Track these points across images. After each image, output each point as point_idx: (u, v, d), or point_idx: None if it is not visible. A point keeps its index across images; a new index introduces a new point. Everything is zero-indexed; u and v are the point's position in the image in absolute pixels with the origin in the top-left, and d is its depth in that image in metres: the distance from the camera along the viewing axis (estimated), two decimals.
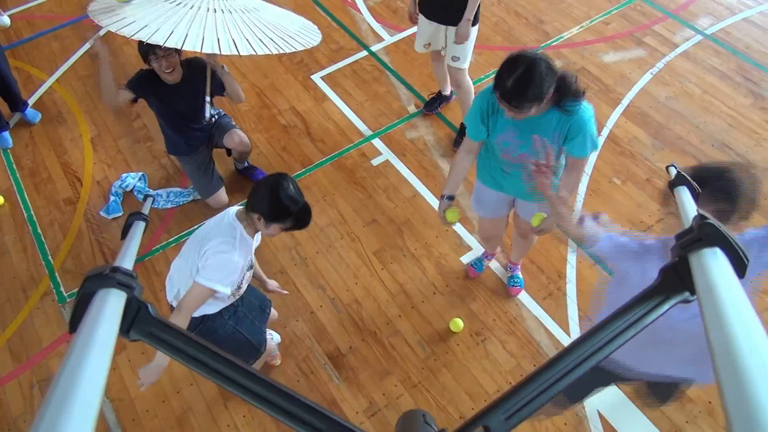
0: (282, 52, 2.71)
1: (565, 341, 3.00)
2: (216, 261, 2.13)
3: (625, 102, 4.07)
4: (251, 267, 2.39)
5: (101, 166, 4.00)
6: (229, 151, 3.68)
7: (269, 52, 2.64)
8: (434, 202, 3.59)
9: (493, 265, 3.29)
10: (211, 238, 2.17)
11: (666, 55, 4.37)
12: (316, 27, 3.15)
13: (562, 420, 2.76)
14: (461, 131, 3.95)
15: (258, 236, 2.34)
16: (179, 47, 2.51)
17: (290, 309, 3.20)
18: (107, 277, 0.76)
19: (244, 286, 2.42)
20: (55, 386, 0.56)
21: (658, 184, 3.59)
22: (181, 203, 3.74)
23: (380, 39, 4.72)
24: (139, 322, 0.77)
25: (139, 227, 1.22)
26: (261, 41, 2.67)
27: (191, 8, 2.69)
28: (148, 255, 3.51)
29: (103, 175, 3.93)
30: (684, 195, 1.28)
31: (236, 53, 2.56)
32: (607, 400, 2.79)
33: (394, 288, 3.26)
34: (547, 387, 0.75)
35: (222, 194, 3.66)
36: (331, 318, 3.17)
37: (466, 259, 3.33)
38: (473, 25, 3.30)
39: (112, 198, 3.75)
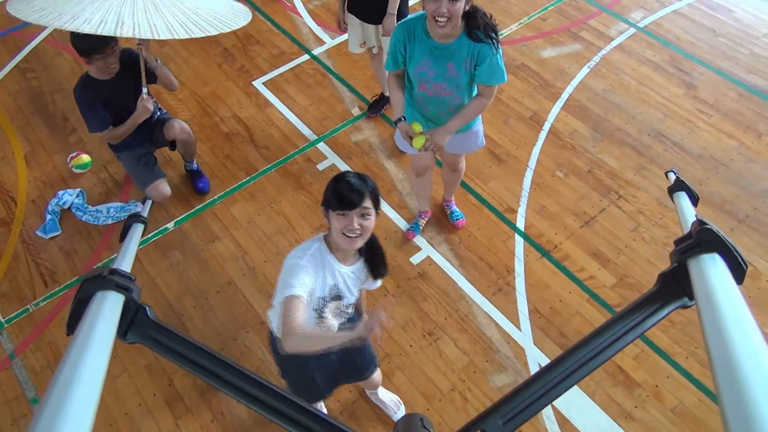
0: (207, 34, 2.62)
1: (516, 335, 3.03)
2: (284, 270, 1.89)
3: (564, 96, 4.15)
4: (339, 297, 1.99)
5: (36, 184, 3.85)
6: (173, 146, 3.57)
7: (192, 35, 2.55)
8: (383, 205, 3.58)
9: (441, 262, 3.30)
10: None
11: (602, 48, 4.47)
12: (246, 8, 3.03)
13: None
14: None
15: (354, 268, 1.98)
16: (96, 32, 2.38)
17: (240, 321, 3.15)
18: (105, 279, 0.77)
19: (330, 320, 2.03)
20: (53, 387, 0.56)
21: (600, 175, 3.67)
22: (122, 218, 3.62)
23: (322, 42, 4.69)
24: (137, 324, 0.78)
25: (137, 229, 1.22)
26: (184, 25, 2.57)
27: None
28: (80, 278, 3.38)
29: (39, 193, 3.79)
30: (683, 200, 1.30)
31: (156, 37, 2.47)
32: None
33: None
34: (545, 392, 0.74)
35: (163, 185, 3.44)
36: None
37: (415, 259, 3.34)
38: (399, 19, 3.34)
39: (48, 217, 3.61)
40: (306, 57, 4.57)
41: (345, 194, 1.75)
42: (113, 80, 3.13)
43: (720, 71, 4.27)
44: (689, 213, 1.18)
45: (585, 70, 4.31)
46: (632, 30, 4.61)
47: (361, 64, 4.43)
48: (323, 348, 1.71)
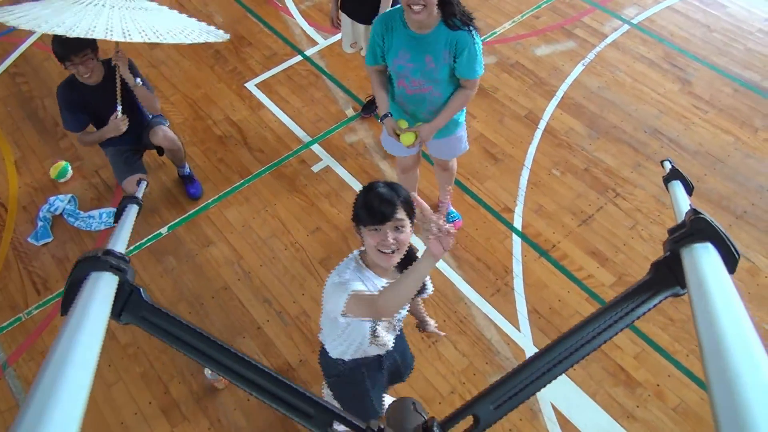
0: (180, 42, 2.67)
1: (515, 336, 3.01)
2: (328, 289, 1.81)
3: (559, 94, 4.13)
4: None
5: (27, 190, 3.79)
6: (160, 151, 3.54)
7: (164, 41, 2.57)
8: None
9: (438, 263, 3.26)
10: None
11: (596, 45, 4.45)
12: (221, 32, 3.09)
13: (518, 415, 2.76)
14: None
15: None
16: (69, 35, 2.38)
17: (236, 326, 3.11)
18: (99, 260, 0.77)
19: (383, 336, 1.97)
20: (46, 367, 0.56)
21: (596, 173, 3.65)
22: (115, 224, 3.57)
23: (314, 43, 4.65)
24: (131, 305, 0.78)
25: (132, 210, 1.21)
26: (158, 32, 2.58)
27: (89, 5, 2.59)
28: None
29: (30, 200, 3.73)
30: (677, 189, 1.30)
31: (128, 40, 2.47)
32: (559, 392, 2.80)
33: None
34: (536, 378, 0.75)
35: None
36: (278, 332, 3.09)
37: None
38: None
39: (40, 223, 3.56)
40: (299, 58, 4.53)
41: (376, 207, 1.62)
42: (98, 87, 3.11)
43: (715, 67, 4.25)
44: (683, 202, 1.18)
45: (579, 68, 4.29)
46: (626, 26, 4.60)
47: (355, 65, 4.39)
48: (417, 287, 1.49)
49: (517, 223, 3.45)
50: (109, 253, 0.79)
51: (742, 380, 0.50)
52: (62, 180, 3.79)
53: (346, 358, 2.04)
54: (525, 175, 3.67)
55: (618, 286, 3.15)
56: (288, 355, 3.00)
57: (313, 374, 2.93)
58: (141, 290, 0.79)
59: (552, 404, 2.78)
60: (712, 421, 0.49)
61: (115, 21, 2.51)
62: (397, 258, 1.70)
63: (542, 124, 3.95)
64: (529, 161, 3.74)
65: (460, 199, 3.55)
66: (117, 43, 3.00)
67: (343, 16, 3.47)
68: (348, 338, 1.94)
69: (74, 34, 2.39)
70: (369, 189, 1.68)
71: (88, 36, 2.41)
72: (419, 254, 1.71)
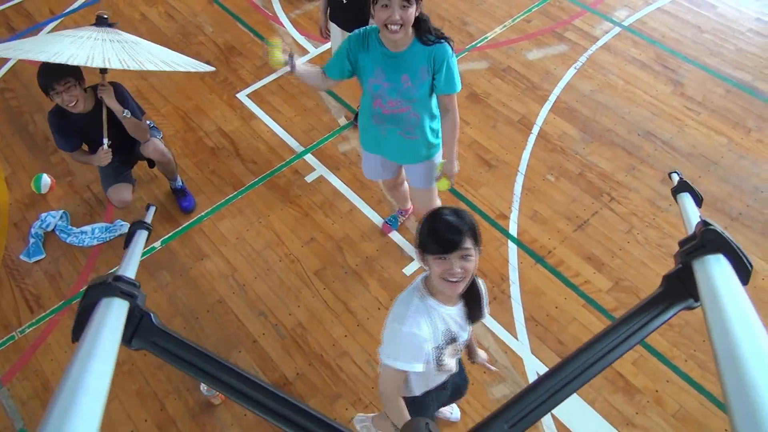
0: (161, 69, 2.71)
1: (513, 344, 2.99)
2: (386, 333, 1.77)
3: (552, 98, 4.12)
4: (454, 339, 1.81)
5: (18, 207, 3.76)
6: (151, 163, 3.51)
7: (144, 68, 2.62)
8: (372, 215, 3.53)
9: None
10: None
11: (587, 48, 4.45)
12: (205, 65, 3.14)
13: None
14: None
15: (459, 308, 1.80)
16: (49, 60, 2.41)
17: (231, 340, 3.08)
18: (110, 285, 0.77)
19: (449, 362, 1.89)
20: (58, 395, 0.56)
21: (591, 178, 3.64)
22: (108, 239, 3.55)
23: (305, 51, 4.63)
24: (142, 331, 0.78)
25: (141, 236, 1.22)
26: (139, 62, 2.63)
27: (75, 37, 2.64)
28: (75, 297, 3.32)
29: (21, 216, 3.70)
30: (687, 201, 1.30)
31: (108, 66, 2.51)
32: None
33: (338, 307, 3.18)
34: (550, 395, 0.74)
35: (124, 189, 3.35)
36: (275, 345, 3.06)
37: (408, 270, 3.29)
38: None
39: (32, 240, 3.53)
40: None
41: (443, 235, 1.56)
42: (88, 114, 3.08)
43: (706, 68, 4.25)
44: (693, 214, 1.17)
45: (572, 71, 4.28)
46: (617, 29, 4.59)
47: None
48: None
49: (513, 230, 3.43)
50: (119, 278, 0.79)
51: (759, 392, 0.50)
52: (44, 191, 3.76)
53: (417, 393, 1.99)
54: (519, 180, 3.66)
55: (615, 292, 3.14)
56: (285, 368, 2.98)
57: (310, 388, 2.90)
58: (152, 315, 0.79)
59: (551, 413, 2.76)
60: None
61: (97, 50, 2.55)
62: (461, 287, 1.65)
63: (536, 129, 3.94)
64: (523, 167, 3.73)
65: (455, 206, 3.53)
66: (103, 76, 3.00)
67: (333, 26, 3.45)
68: (416, 378, 1.91)
69: (57, 60, 2.40)
70: (435, 216, 1.62)
71: (69, 62, 2.42)
72: (480, 282, 1.82)
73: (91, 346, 0.66)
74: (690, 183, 1.39)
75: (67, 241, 3.54)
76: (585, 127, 3.93)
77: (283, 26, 4.86)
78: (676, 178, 1.53)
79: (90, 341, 0.67)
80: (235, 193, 3.73)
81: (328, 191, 3.69)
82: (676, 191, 1.41)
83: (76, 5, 5.28)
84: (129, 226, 1.28)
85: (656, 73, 4.24)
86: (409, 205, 3.44)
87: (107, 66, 2.48)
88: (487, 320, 3.08)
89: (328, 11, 3.44)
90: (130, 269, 0.96)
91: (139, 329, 0.78)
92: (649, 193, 3.54)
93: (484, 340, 3.01)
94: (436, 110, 2.51)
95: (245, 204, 3.67)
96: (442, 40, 2.26)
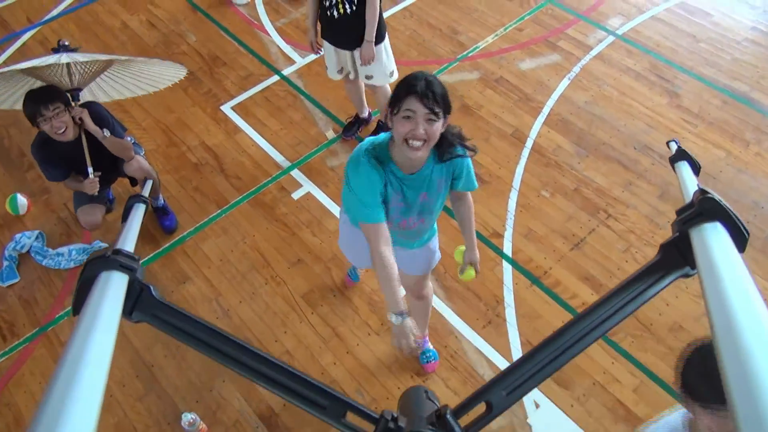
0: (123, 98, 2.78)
1: None
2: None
3: (545, 110, 4.01)
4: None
5: None
6: (134, 181, 3.35)
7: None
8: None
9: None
10: None
11: (581, 58, 4.34)
12: (178, 64, 3.18)
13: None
14: (379, 127, 3.87)
15: None
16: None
17: (215, 369, 2.94)
18: (109, 259, 0.78)
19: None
20: (61, 368, 0.57)
21: (587, 194, 3.53)
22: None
23: (292, 62, 4.49)
24: (142, 303, 0.80)
25: (139, 209, 1.22)
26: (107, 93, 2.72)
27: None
28: (50, 324, 3.16)
29: None
30: (684, 170, 1.30)
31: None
32: (558, 431, 2.67)
33: (326, 333, 3.04)
34: (547, 362, 0.75)
35: (93, 210, 3.16)
36: None
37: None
38: (378, 43, 3.16)
39: (5, 263, 3.37)
40: (276, 78, 4.37)
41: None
42: (75, 142, 2.93)
43: (702, 78, 4.16)
44: (690, 182, 1.16)
45: (565, 82, 4.18)
46: (611, 38, 4.49)
47: (334, 84, 4.23)
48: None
49: (507, 249, 3.31)
50: (118, 252, 0.80)
51: (754, 358, 0.50)
52: (22, 212, 3.60)
53: None
54: (513, 197, 3.55)
55: None
56: (270, 398, 2.84)
57: (296, 419, 2.77)
58: (151, 288, 0.80)
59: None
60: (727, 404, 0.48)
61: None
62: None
63: (529, 143, 3.83)
64: (517, 182, 3.62)
65: (447, 225, 3.41)
66: (75, 102, 2.91)
67: (326, 44, 3.31)
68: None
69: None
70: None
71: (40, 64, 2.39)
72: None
73: (92, 319, 0.66)
74: (688, 151, 1.38)
75: (43, 263, 3.38)
76: (580, 141, 3.82)
77: (268, 35, 4.72)
78: (674, 146, 1.52)
79: (91, 314, 0.67)
80: (219, 211, 3.58)
81: (315, 209, 3.55)
82: (674, 159, 1.40)
83: (54, 13, 5.11)
84: (128, 198, 1.27)
85: (651, 83, 4.15)
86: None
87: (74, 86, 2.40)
88: (482, 345, 2.96)
89: (319, 28, 3.30)
90: (128, 243, 0.95)
91: (139, 302, 0.79)
92: (646, 210, 3.44)
93: (478, 366, 2.89)
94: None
95: (229, 223, 3.52)
96: (460, 150, 1.92)
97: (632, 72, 4.23)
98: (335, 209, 3.53)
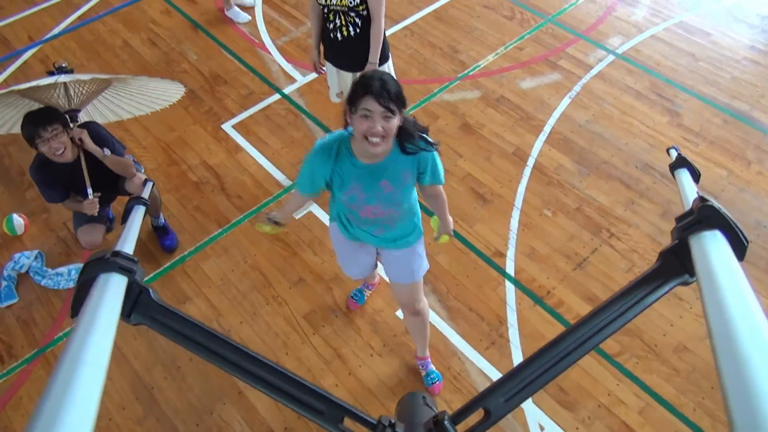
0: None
1: None
2: None
3: (547, 129, 4.01)
4: None
5: None
6: None
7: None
8: None
9: (431, 316, 3.09)
10: None
11: (582, 77, 4.35)
12: (177, 83, 3.24)
13: None
14: None
15: None
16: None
17: (215, 391, 2.90)
18: (108, 261, 0.77)
19: None
20: (58, 369, 0.57)
21: (589, 213, 3.52)
22: None
23: (292, 80, 4.50)
24: (141, 306, 0.79)
25: (139, 211, 1.22)
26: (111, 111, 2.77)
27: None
28: (49, 345, 3.13)
29: None
30: (684, 177, 1.30)
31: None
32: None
33: (328, 354, 3.01)
34: (546, 369, 0.75)
35: (95, 231, 3.16)
36: (261, 396, 2.89)
37: (401, 313, 3.13)
38: (382, 64, 3.16)
39: (4, 283, 3.34)
40: (277, 96, 4.38)
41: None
42: (74, 163, 2.93)
43: (703, 97, 4.17)
44: (690, 190, 1.16)
45: (566, 101, 4.19)
46: (611, 57, 4.51)
47: (335, 102, 4.25)
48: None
49: (510, 269, 3.30)
50: (117, 254, 0.79)
51: (753, 367, 0.50)
52: (20, 232, 3.58)
53: None
54: (516, 216, 3.53)
55: (617, 335, 3.00)
56: (272, 421, 2.81)
57: None
58: (150, 291, 0.79)
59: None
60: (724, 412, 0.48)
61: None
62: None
63: (531, 161, 3.82)
64: (519, 201, 3.61)
65: (450, 244, 3.40)
66: (73, 123, 2.90)
67: (328, 65, 3.31)
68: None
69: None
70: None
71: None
72: None
73: (90, 321, 0.66)
74: (688, 158, 1.38)
75: (42, 283, 3.36)
76: (581, 159, 3.82)
77: (269, 53, 4.74)
78: (674, 153, 1.52)
79: (89, 316, 0.67)
80: (220, 230, 3.57)
81: (317, 228, 3.54)
82: (674, 167, 1.40)
83: (56, 31, 5.12)
84: (128, 200, 1.26)
85: (652, 102, 4.16)
86: (377, 279, 3.21)
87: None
88: (485, 366, 2.93)
89: (322, 50, 3.29)
90: (128, 245, 0.95)
91: (137, 304, 0.79)
92: (649, 229, 3.43)
93: (482, 387, 2.84)
94: (416, 203, 2.26)
95: (230, 242, 3.50)
96: (428, 146, 1.98)
97: (633, 91, 4.24)
98: None
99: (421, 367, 2.91)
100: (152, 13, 5.24)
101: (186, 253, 3.46)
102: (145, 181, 1.63)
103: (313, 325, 3.12)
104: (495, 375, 2.91)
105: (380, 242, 2.31)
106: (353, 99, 1.80)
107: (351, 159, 1.97)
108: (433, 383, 2.86)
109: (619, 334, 3.00)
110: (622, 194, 3.61)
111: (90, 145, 2.85)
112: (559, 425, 2.73)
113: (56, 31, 5.13)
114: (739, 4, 4.94)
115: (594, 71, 4.40)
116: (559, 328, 3.04)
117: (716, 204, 0.76)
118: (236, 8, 5.06)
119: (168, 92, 3.30)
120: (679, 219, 0.80)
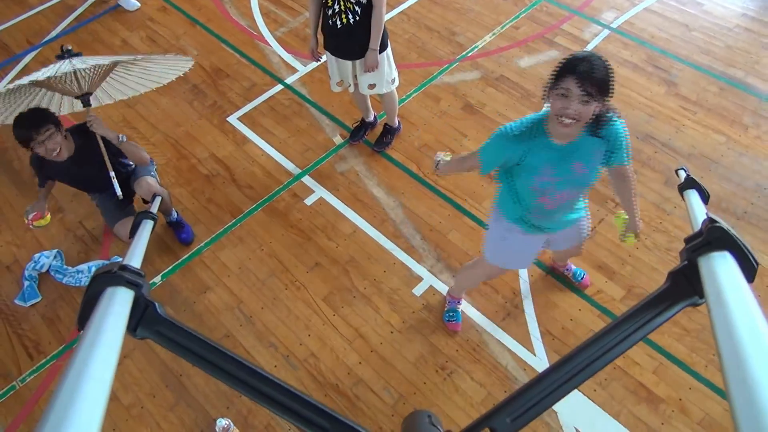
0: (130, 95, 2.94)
1: (531, 360, 2.94)
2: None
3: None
4: None
5: (9, 249, 3.63)
6: (146, 200, 3.41)
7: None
8: (375, 235, 3.46)
9: (445, 291, 3.18)
10: None
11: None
12: (184, 56, 3.30)
13: None
14: (385, 130, 3.92)
15: None
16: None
17: None
18: (115, 275, 0.78)
19: None
20: (63, 384, 0.56)
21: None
22: None
23: (294, 70, 4.55)
24: (147, 320, 0.79)
25: (147, 225, 1.23)
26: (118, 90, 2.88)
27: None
28: (76, 340, 3.20)
29: (13, 259, 3.57)
30: (693, 198, 1.31)
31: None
32: (583, 416, 2.73)
33: (350, 333, 3.10)
34: (554, 389, 0.75)
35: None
36: (287, 376, 2.98)
37: (417, 291, 3.22)
38: (381, 51, 3.21)
39: (26, 283, 3.40)
40: (279, 87, 4.43)
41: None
42: (71, 159, 2.99)
43: (698, 66, 4.25)
44: (699, 211, 1.18)
45: None
46: (606, 31, 4.58)
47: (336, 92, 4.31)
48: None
49: None
50: (124, 268, 0.80)
51: (762, 390, 0.50)
52: (44, 223, 3.61)
53: None
54: None
55: (628, 300, 3.10)
56: None
57: None
58: (156, 305, 0.80)
59: (577, 430, 2.71)
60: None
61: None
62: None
63: None
64: None
65: (460, 222, 3.48)
66: (87, 108, 2.93)
67: (327, 55, 3.36)
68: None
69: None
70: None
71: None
72: None
73: (96, 335, 0.66)
74: (696, 179, 1.40)
75: (63, 281, 3.42)
76: None
77: (269, 45, 4.79)
78: (683, 174, 1.54)
79: (95, 330, 0.67)
80: (234, 220, 3.64)
81: (329, 213, 3.61)
82: (682, 188, 1.42)
83: (54, 34, 5.15)
84: (137, 215, 1.30)
85: (649, 74, 4.23)
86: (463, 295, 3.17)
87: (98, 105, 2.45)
88: (503, 337, 3.02)
89: (322, 39, 3.33)
90: (135, 259, 0.97)
91: (144, 318, 0.79)
92: (653, 197, 3.52)
93: (501, 357, 2.95)
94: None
95: (245, 232, 3.58)
96: (615, 122, 1.93)
97: (629, 64, 4.32)
98: (348, 213, 3.59)
99: (566, 270, 3.21)
100: (148, 10, 5.27)
101: (202, 244, 3.53)
102: (154, 196, 1.66)
103: (333, 307, 3.21)
104: (512, 345, 3.00)
105: (563, 225, 2.36)
106: (557, 75, 1.78)
107: (545, 140, 1.94)
108: (582, 278, 3.17)
109: (629, 298, 3.10)
110: None
111: (107, 132, 2.91)
112: (577, 388, 2.82)
113: (54, 33, 5.16)
114: None
115: (590, 46, 4.47)
116: (572, 296, 3.14)
117: (725, 225, 0.76)
118: None
119: (175, 66, 3.32)
120: (688, 240, 0.80)
